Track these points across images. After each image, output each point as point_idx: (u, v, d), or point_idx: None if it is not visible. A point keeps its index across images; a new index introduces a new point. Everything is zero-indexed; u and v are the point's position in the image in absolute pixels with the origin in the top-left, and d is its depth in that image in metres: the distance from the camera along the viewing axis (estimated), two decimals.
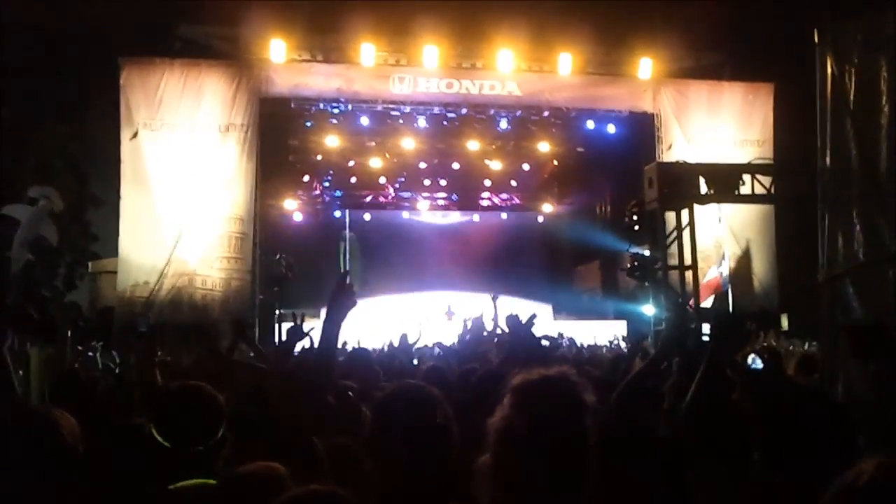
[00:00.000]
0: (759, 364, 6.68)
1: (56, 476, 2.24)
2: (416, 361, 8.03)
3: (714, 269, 15.52)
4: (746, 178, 13.89)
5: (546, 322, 22.45)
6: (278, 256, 17.10)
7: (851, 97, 8.07)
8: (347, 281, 3.04)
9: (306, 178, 22.10)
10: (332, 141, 19.97)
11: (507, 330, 4.72)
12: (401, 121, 19.03)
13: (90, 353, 10.24)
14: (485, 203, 24.27)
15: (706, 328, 11.87)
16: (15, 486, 2.16)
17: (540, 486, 1.75)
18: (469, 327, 7.00)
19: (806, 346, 13.51)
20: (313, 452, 2.98)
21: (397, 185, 23.09)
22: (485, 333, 6.62)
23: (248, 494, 2.36)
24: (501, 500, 1.81)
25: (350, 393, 4.07)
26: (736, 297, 15.56)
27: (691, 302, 13.98)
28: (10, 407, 2.90)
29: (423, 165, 22.04)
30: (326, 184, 22.81)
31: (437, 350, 9.37)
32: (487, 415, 3.03)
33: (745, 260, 17.56)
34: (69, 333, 10.20)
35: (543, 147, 21.16)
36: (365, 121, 18.79)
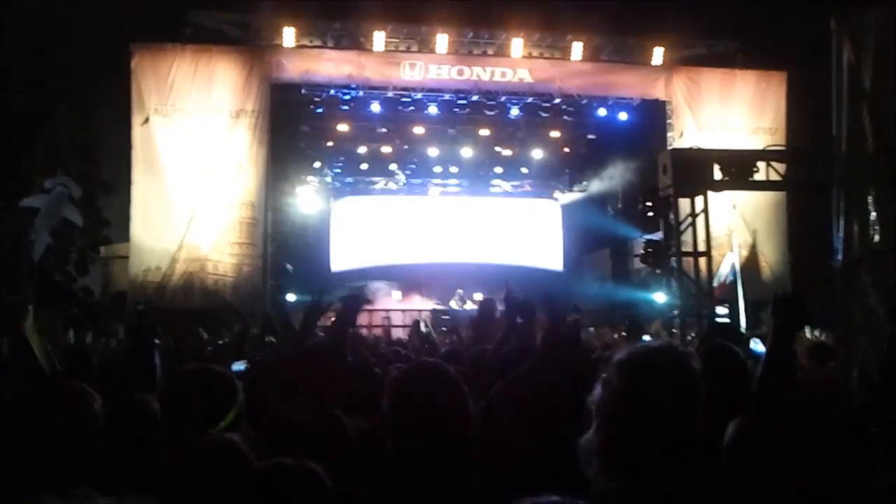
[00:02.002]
0: (760, 348, 6.61)
1: (83, 445, 2.27)
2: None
3: (726, 262, 15.49)
4: (761, 164, 13.83)
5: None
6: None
7: (868, 84, 8.06)
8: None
9: (317, 164, 22.11)
10: (342, 127, 20.01)
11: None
12: (412, 107, 18.97)
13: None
14: (496, 190, 24.22)
15: (720, 310, 11.92)
16: (46, 455, 2.19)
17: (653, 459, 1.72)
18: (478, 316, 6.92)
19: (817, 334, 13.50)
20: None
21: (408, 172, 23.07)
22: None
23: (206, 463, 2.38)
24: (611, 478, 1.78)
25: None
26: (746, 284, 15.53)
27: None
28: (36, 379, 2.93)
29: (433, 152, 22.03)
30: (337, 170, 22.80)
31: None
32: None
33: (756, 247, 17.53)
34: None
35: (554, 134, 21.14)
36: (376, 107, 18.80)
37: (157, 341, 4.97)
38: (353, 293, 3.56)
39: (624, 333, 9.76)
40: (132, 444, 2.66)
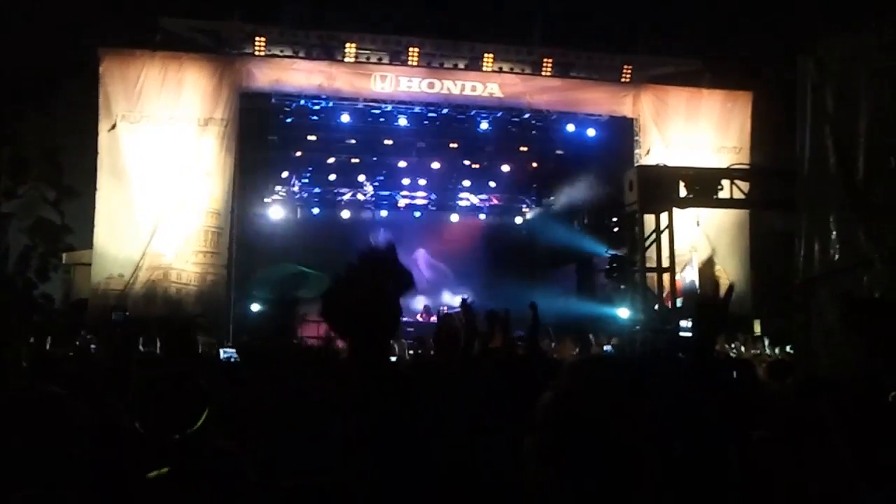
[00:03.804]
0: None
1: (63, 449, 2.25)
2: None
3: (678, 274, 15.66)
4: (725, 183, 14.07)
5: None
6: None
7: (830, 107, 8.24)
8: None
9: (285, 173, 22.00)
10: (311, 137, 19.94)
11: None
12: (381, 119, 19.02)
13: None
14: (463, 203, 24.29)
15: (683, 324, 12.05)
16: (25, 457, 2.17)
17: (589, 465, 1.72)
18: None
19: (776, 351, 13.72)
20: None
21: (376, 184, 23.05)
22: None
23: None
24: (547, 481, 1.77)
25: None
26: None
27: (667, 303, 14.13)
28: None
29: (402, 164, 22.03)
30: (305, 180, 22.71)
31: None
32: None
33: (718, 264, 17.75)
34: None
35: (523, 149, 21.27)
36: (345, 118, 18.75)
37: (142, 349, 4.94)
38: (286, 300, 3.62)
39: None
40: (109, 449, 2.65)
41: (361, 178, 22.72)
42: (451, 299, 21.43)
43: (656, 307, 14.41)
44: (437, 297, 20.68)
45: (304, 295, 14.60)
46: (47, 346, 10.11)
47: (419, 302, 20.42)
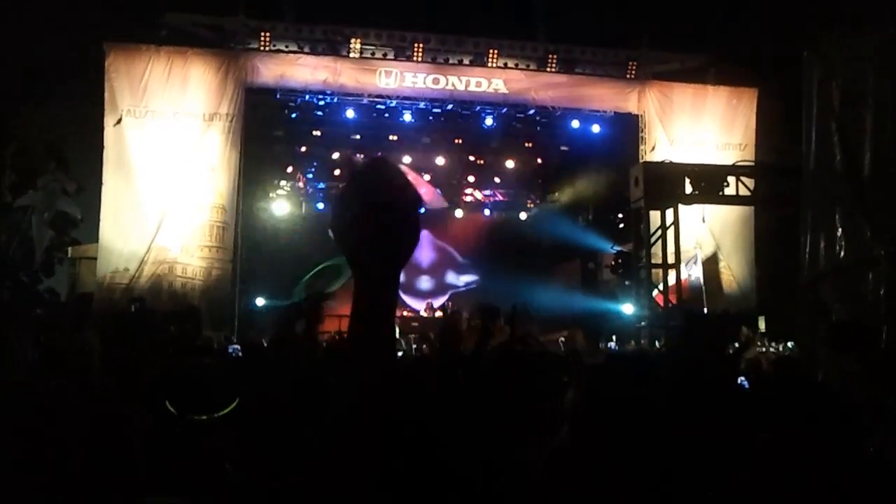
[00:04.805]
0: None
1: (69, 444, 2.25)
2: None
3: (683, 270, 15.61)
4: (731, 179, 14.06)
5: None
6: None
7: (836, 104, 8.23)
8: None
9: (290, 169, 22.03)
10: (316, 133, 19.95)
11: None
12: (386, 115, 19.02)
13: None
14: (468, 199, 24.29)
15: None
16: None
17: (617, 461, 1.72)
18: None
19: (780, 348, 13.71)
20: None
21: None
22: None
23: None
24: (577, 477, 1.77)
25: None
26: (712, 297, 15.72)
27: (672, 299, 14.13)
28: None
29: (407, 160, 22.03)
30: (310, 175, 22.72)
31: None
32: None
33: (724, 260, 17.73)
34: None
35: (528, 145, 21.25)
36: (350, 114, 18.75)
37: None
38: (311, 294, 3.65)
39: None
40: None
41: None
42: (456, 279, 21.59)
43: (655, 293, 14.40)
44: (442, 278, 20.74)
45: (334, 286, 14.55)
46: (52, 341, 10.13)
47: (424, 282, 20.54)
